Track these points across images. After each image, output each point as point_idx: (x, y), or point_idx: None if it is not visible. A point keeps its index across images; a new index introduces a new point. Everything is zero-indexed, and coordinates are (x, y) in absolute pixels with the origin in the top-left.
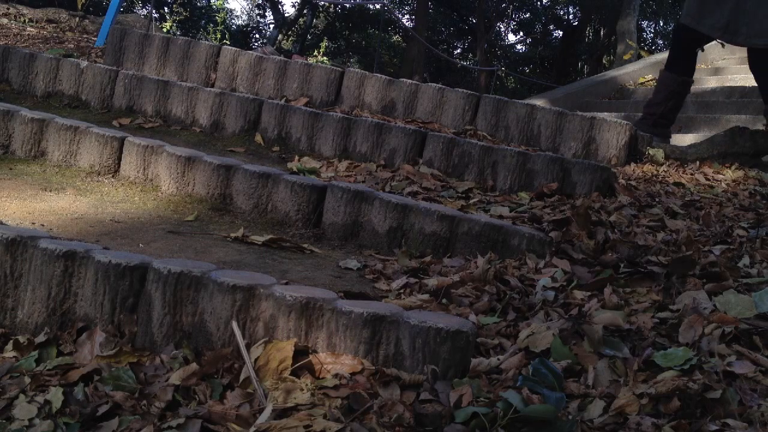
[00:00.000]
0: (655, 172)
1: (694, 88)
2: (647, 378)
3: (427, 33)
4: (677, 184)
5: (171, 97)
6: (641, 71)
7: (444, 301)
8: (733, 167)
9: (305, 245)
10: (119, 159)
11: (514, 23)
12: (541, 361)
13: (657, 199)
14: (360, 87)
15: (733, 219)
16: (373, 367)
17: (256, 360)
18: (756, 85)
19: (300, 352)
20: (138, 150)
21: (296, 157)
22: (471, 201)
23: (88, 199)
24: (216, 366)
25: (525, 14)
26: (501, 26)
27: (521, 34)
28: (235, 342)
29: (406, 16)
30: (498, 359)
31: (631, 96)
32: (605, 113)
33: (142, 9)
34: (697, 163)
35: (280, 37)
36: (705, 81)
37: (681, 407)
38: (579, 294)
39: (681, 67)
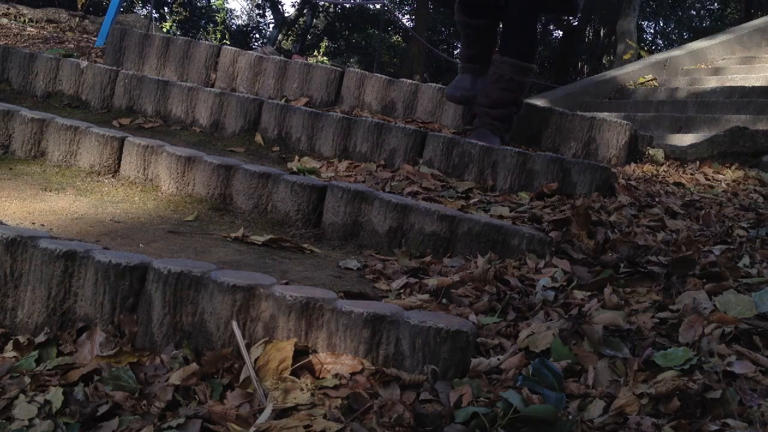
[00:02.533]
0: (655, 172)
1: (694, 88)
2: (647, 378)
3: (427, 33)
4: (677, 184)
5: (171, 97)
6: (641, 71)
7: (444, 301)
8: (733, 167)
9: (305, 245)
10: (119, 159)
11: None
12: (541, 361)
13: (657, 199)
14: (360, 87)
15: (733, 219)
16: (373, 367)
17: (256, 360)
18: (756, 84)
19: (300, 352)
20: (138, 150)
21: (296, 157)
22: (471, 201)
23: (88, 199)
24: (216, 366)
25: None
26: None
27: None
28: (235, 342)
29: (406, 16)
30: (498, 359)
31: (631, 96)
32: (605, 113)
33: (142, 9)
34: (697, 163)
35: (280, 37)
36: (705, 81)
37: (681, 407)
38: (579, 294)
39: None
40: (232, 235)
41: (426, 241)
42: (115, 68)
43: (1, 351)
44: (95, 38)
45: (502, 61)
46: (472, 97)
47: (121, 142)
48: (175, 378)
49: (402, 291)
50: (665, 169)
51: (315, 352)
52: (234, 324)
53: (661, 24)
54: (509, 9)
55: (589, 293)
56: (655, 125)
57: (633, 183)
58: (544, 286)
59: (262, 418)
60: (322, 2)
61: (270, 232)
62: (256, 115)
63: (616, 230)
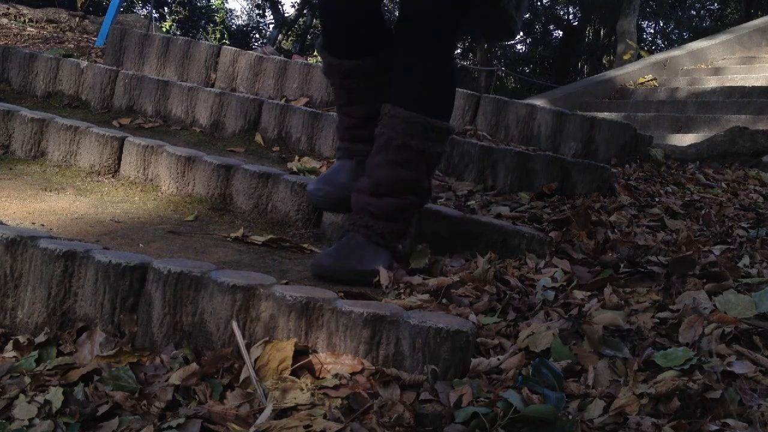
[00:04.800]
0: (655, 172)
1: (694, 88)
2: (647, 378)
3: None
4: (677, 184)
5: (171, 97)
6: (641, 71)
7: (444, 301)
8: (733, 167)
9: (305, 245)
10: (119, 159)
11: None
12: (541, 361)
13: (657, 199)
14: None
15: (733, 219)
16: (373, 367)
17: (256, 360)
18: (756, 84)
19: (300, 352)
20: (138, 150)
21: (296, 157)
22: (471, 201)
23: (88, 199)
24: (216, 366)
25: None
26: None
27: (521, 34)
28: (235, 342)
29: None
30: (498, 359)
31: (631, 96)
32: (605, 113)
33: (142, 9)
34: (697, 163)
35: (280, 37)
36: (705, 81)
37: (681, 407)
38: (579, 294)
39: None
40: (232, 235)
41: (426, 241)
42: (115, 68)
43: (1, 351)
44: (95, 38)
45: (392, 114)
46: (342, 199)
47: (121, 142)
48: (175, 378)
49: (402, 291)
50: (665, 169)
51: (315, 352)
52: (234, 324)
53: (661, 24)
54: (406, 30)
55: (589, 293)
56: (655, 125)
57: (633, 183)
58: (544, 286)
59: (262, 418)
60: None
61: (270, 232)
62: (256, 115)
63: (616, 230)
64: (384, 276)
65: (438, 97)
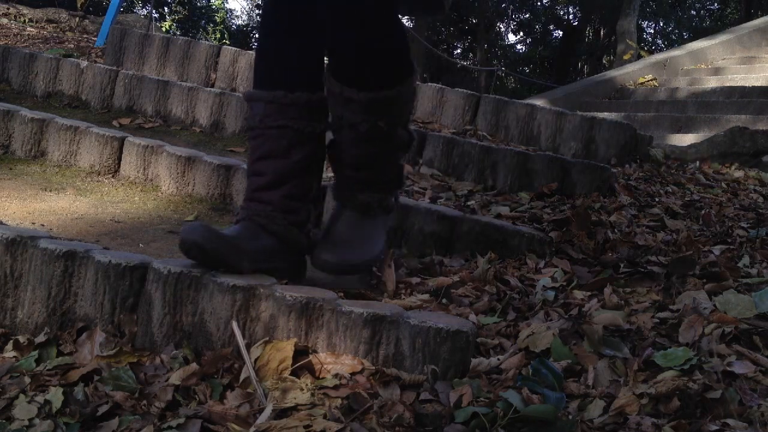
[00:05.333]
0: (655, 172)
1: (694, 88)
2: (647, 378)
3: (427, 33)
4: (677, 184)
5: (171, 97)
6: (641, 71)
7: (444, 301)
8: (733, 167)
9: None
10: (119, 159)
11: (514, 23)
12: (541, 361)
13: (657, 199)
14: None
15: (733, 219)
16: (373, 367)
17: (256, 360)
18: (756, 84)
19: (300, 352)
20: (138, 150)
21: None
22: (471, 201)
23: (88, 199)
24: (216, 366)
25: (525, 14)
26: (501, 26)
27: (521, 34)
28: (235, 342)
29: (406, 16)
30: (498, 359)
31: (631, 96)
32: (605, 113)
33: (142, 9)
34: (697, 163)
35: None
36: (705, 81)
37: (681, 407)
38: (579, 294)
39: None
40: None
41: (426, 241)
42: (115, 68)
43: (1, 351)
44: (95, 38)
45: (345, 96)
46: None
47: (121, 142)
48: (175, 378)
49: (402, 291)
50: (665, 169)
51: (315, 352)
52: (234, 324)
53: (661, 24)
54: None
55: (589, 293)
56: (655, 125)
57: (633, 183)
58: (544, 286)
59: (262, 418)
60: None
61: None
62: None
63: (616, 230)
64: (390, 280)
65: (390, 65)
